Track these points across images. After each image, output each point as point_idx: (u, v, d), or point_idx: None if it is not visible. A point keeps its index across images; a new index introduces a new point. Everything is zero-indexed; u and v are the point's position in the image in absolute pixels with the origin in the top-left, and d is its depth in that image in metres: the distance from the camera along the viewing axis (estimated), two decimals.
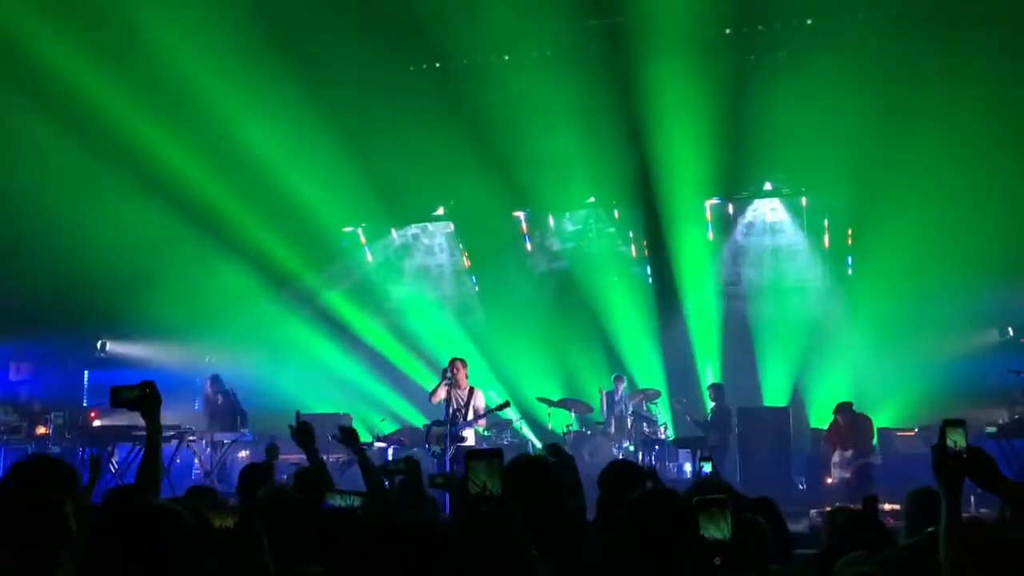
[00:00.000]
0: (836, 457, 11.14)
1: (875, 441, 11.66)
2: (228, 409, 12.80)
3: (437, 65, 13.49)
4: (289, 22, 11.70)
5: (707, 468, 5.86)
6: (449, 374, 10.56)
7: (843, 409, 11.32)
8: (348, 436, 4.88)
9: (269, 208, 14.07)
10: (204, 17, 11.01)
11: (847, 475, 10.96)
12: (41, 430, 12.05)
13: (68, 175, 12.37)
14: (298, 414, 4.77)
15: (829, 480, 11.29)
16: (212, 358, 14.95)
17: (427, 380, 14.15)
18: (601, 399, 13.36)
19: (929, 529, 3.26)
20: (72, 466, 3.33)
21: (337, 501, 3.37)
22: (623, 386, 13.32)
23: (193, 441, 12.02)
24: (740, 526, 2.62)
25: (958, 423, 2.72)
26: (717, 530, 2.52)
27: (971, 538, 2.79)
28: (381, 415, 14.16)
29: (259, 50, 11.69)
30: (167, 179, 12.87)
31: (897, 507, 6.93)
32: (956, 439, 2.70)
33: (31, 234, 12.31)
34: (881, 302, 13.03)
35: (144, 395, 3.65)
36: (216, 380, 13.08)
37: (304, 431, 4.58)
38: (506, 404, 10.95)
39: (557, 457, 4.31)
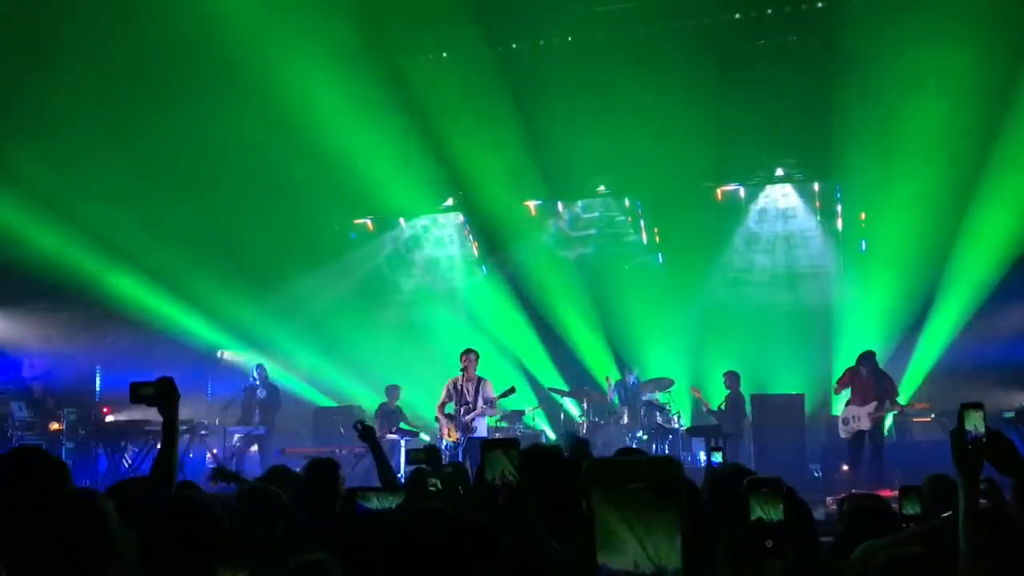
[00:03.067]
0: (855, 410, 10.94)
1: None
2: (273, 400, 12.88)
3: (444, 55, 13.42)
4: (297, 14, 11.63)
5: (717, 458, 5.78)
6: (463, 367, 10.59)
7: (868, 359, 11.02)
8: (367, 432, 5.31)
9: (278, 200, 14.06)
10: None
11: (865, 427, 10.80)
12: (55, 426, 12.10)
13: (80, 170, 12.38)
14: (361, 423, 5.45)
15: (843, 434, 11.13)
16: (224, 352, 14.99)
17: (437, 370, 14.12)
18: (608, 388, 13.29)
19: (945, 514, 3.20)
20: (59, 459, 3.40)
21: (374, 504, 3.22)
22: (635, 375, 13.26)
23: (206, 435, 12.05)
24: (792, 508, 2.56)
25: (977, 407, 2.65)
26: (769, 512, 2.46)
27: (990, 523, 2.73)
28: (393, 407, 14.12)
29: (264, 46, 11.67)
30: (177, 172, 12.88)
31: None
32: (975, 423, 2.63)
33: (44, 227, 12.34)
34: (896, 285, 12.92)
35: (161, 391, 3.66)
36: (262, 368, 13.12)
37: (367, 432, 5.30)
38: (512, 390, 10.89)
39: (573, 446, 4.27)
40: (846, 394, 11.30)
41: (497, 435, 11.88)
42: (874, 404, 10.79)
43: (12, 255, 12.53)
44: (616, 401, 13.15)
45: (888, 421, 11.40)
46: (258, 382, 12.96)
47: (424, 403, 14.38)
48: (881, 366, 11.16)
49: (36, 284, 13.25)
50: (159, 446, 3.78)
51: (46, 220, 12.38)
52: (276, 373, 14.21)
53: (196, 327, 14.23)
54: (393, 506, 3.21)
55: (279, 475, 5.29)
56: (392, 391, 13.39)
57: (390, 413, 13.14)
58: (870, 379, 10.92)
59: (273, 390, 13.10)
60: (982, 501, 2.87)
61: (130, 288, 13.49)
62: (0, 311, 13.81)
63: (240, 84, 12.00)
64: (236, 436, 12.46)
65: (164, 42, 11.37)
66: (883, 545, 3.41)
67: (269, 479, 5.23)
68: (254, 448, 12.61)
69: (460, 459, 10.07)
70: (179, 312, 13.96)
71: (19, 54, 11.45)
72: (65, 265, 12.68)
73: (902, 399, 11.22)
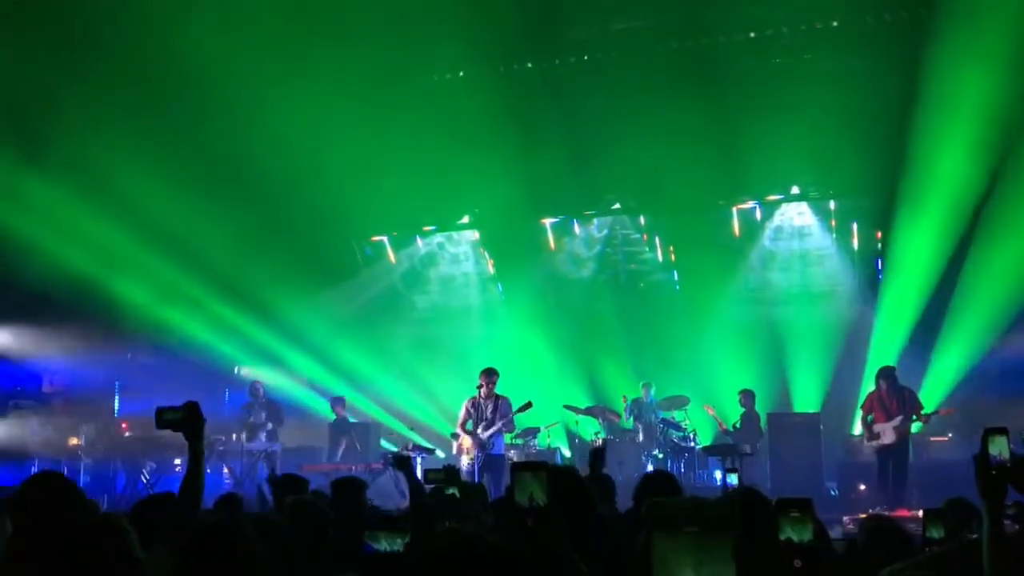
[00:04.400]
0: (880, 426, 10.82)
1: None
2: (275, 415, 12.92)
3: (461, 74, 13.50)
4: (312, 32, 11.72)
5: (733, 480, 5.77)
6: (480, 385, 10.62)
7: (886, 373, 10.94)
8: (402, 463, 5.45)
9: (296, 218, 14.14)
10: (225, 18, 10.96)
11: (889, 440, 10.73)
12: (73, 441, 12.18)
13: (98, 185, 12.48)
14: (396, 456, 5.73)
15: (867, 442, 11.05)
16: (240, 368, 15.05)
17: (454, 388, 14.16)
18: (625, 407, 13.28)
19: (972, 536, 3.20)
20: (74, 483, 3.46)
21: (382, 545, 3.15)
22: (651, 393, 13.25)
23: (223, 451, 12.09)
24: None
25: (1001, 431, 2.66)
26: (798, 533, 2.48)
27: (1015, 548, 2.73)
28: (408, 424, 14.17)
29: (280, 60, 11.76)
30: (194, 192, 12.95)
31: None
32: (999, 448, 2.64)
33: (63, 245, 12.43)
34: (913, 304, 12.89)
35: (187, 416, 3.71)
36: (258, 385, 13.15)
37: (402, 462, 5.44)
38: (528, 405, 10.86)
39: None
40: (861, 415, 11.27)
41: (512, 452, 11.89)
42: (899, 419, 10.73)
43: (32, 270, 12.66)
44: (629, 423, 13.14)
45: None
46: (256, 400, 12.96)
47: (438, 420, 14.44)
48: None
49: (55, 299, 13.36)
50: (185, 469, 3.83)
51: (66, 235, 12.48)
52: (291, 388, 14.27)
53: (214, 342, 14.30)
54: (401, 548, 3.15)
55: (291, 485, 5.35)
56: (338, 403, 13.64)
57: (345, 424, 13.28)
58: (891, 393, 10.87)
59: (274, 405, 13.10)
60: (1008, 524, 2.88)
61: (149, 304, 13.57)
62: (21, 326, 13.91)
63: (260, 100, 12.08)
64: (254, 452, 12.49)
65: (181, 59, 11.44)
66: (901, 568, 3.42)
67: (285, 487, 5.29)
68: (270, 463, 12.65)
69: (477, 477, 10.10)
70: (197, 327, 14.03)
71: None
72: (84, 280, 12.76)
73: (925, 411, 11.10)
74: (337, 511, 4.18)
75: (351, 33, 11.50)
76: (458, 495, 4.37)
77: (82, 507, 3.43)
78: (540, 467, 2.52)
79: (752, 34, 12.55)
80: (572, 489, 3.38)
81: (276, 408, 13.07)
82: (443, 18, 11.79)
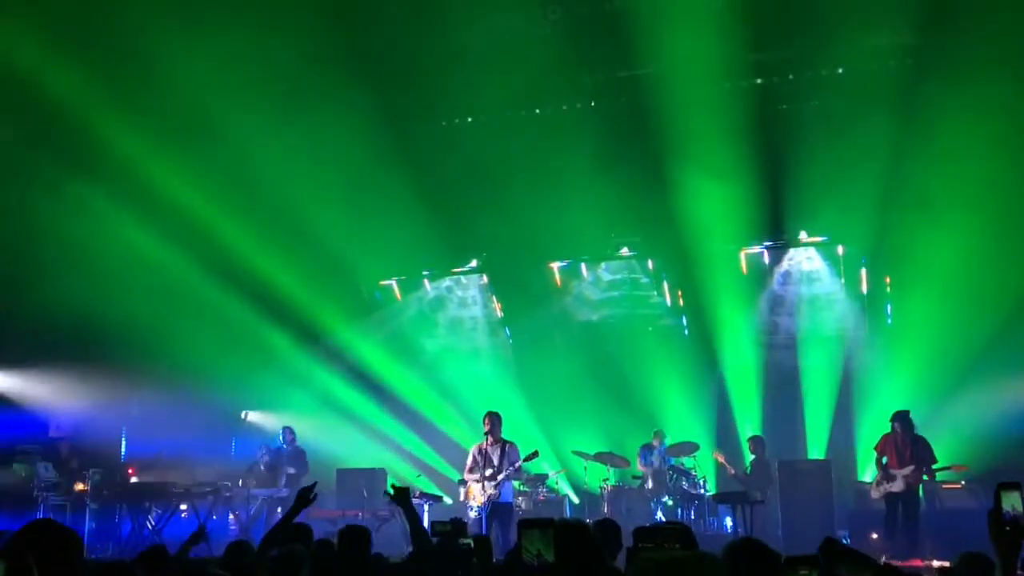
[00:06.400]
0: (889, 472, 10.72)
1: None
2: (301, 461, 12.84)
3: (469, 120, 13.63)
4: (320, 75, 11.84)
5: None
6: (486, 431, 10.53)
7: (901, 417, 10.86)
8: (400, 495, 5.44)
9: (304, 262, 14.19)
10: (234, 62, 11.03)
11: (898, 488, 10.60)
12: (80, 487, 12.13)
13: (102, 237, 12.55)
14: (393, 486, 5.65)
15: (874, 495, 10.96)
16: (247, 414, 15.01)
17: (462, 433, 14.11)
18: (639, 455, 13.20)
19: None
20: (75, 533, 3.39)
21: None
22: (662, 440, 13.15)
23: (230, 497, 12.02)
24: None
25: (1014, 486, 2.63)
26: None
27: None
28: (416, 470, 14.09)
29: (287, 102, 11.89)
30: (203, 236, 13.02)
31: (945, 564, 6.75)
32: (1012, 503, 2.61)
33: (66, 289, 12.48)
34: (922, 350, 12.80)
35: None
36: (290, 430, 13.11)
37: (400, 493, 5.43)
38: (535, 454, 10.77)
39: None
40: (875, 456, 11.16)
41: (520, 499, 11.78)
42: (911, 468, 10.61)
43: (40, 316, 12.70)
44: (637, 470, 13.05)
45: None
46: (285, 445, 12.92)
47: (445, 465, 14.36)
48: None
49: (61, 343, 13.40)
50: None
51: (73, 279, 12.53)
52: (298, 433, 14.23)
53: (220, 388, 14.27)
54: None
55: (294, 533, 5.30)
56: (287, 433, 13.42)
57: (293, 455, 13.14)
58: (906, 440, 10.77)
59: (300, 453, 13.07)
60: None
61: (156, 349, 13.57)
62: (28, 370, 13.95)
63: (267, 142, 12.19)
64: (260, 498, 12.41)
65: (186, 99, 11.58)
66: None
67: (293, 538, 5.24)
68: (279, 510, 12.56)
69: (484, 524, 10.00)
70: (204, 373, 14.02)
71: None
72: (91, 325, 12.78)
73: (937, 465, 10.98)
74: (344, 559, 4.16)
75: (360, 78, 11.64)
76: (472, 545, 4.33)
77: (79, 553, 3.37)
78: (547, 524, 2.50)
79: (759, 80, 12.66)
80: (581, 544, 3.34)
81: (301, 454, 13.05)
82: (451, 65, 11.95)
